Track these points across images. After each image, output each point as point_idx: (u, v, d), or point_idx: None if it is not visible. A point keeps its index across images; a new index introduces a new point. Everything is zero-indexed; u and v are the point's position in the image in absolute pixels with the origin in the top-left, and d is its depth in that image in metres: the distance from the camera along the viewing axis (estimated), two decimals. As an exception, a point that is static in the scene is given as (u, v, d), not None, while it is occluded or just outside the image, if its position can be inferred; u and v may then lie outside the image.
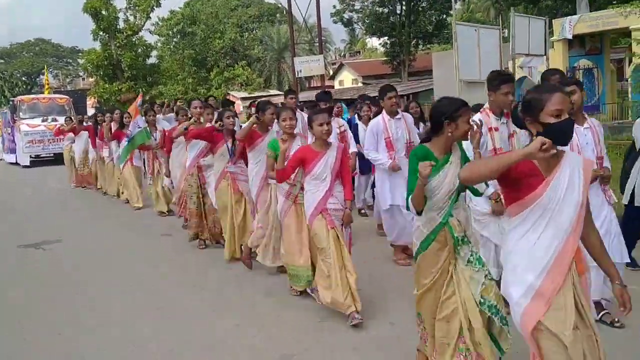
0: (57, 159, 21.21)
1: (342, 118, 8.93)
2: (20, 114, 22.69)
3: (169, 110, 12.44)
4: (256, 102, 7.86)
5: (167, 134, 8.53)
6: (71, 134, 14.31)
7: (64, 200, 13.08)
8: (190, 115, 7.50)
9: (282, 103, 7.94)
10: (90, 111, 25.82)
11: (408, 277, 5.46)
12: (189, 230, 7.64)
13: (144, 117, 10.36)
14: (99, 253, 7.74)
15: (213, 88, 39.43)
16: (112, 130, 11.35)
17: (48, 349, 4.60)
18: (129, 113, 11.11)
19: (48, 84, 30.84)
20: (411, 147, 6.06)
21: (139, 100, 11.56)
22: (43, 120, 22.08)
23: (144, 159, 11.32)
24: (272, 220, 5.85)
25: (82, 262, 7.29)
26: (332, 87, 42.41)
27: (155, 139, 9.74)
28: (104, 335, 4.78)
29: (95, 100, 33.97)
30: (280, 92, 34.57)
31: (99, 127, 12.38)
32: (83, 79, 63.19)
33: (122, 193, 11.68)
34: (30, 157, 21.88)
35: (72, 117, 15.08)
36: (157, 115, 10.74)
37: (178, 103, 13.59)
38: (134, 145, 10.22)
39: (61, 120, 21.08)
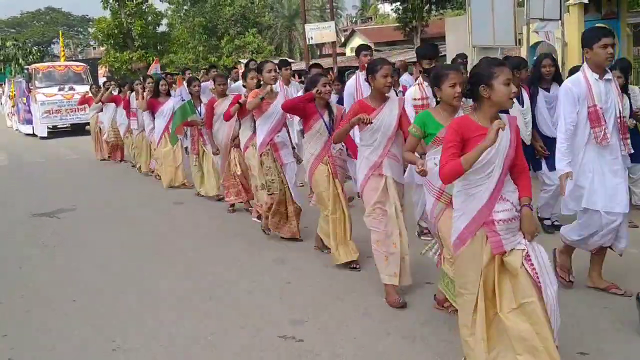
0: (74, 130, 21.02)
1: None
2: (36, 82, 21.48)
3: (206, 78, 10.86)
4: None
5: (209, 106, 7.45)
6: (98, 104, 13.32)
7: (87, 173, 13.11)
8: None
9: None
10: (102, 80, 24.30)
11: (419, 246, 5.50)
12: (267, 229, 6.34)
13: (186, 87, 8.79)
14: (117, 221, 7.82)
15: (224, 56, 39.23)
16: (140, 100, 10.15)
17: (63, 316, 4.68)
18: (165, 79, 10.27)
19: (64, 51, 28.96)
20: None
21: (155, 66, 10.95)
22: (60, 90, 20.87)
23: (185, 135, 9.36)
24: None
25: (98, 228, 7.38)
26: (344, 54, 41.98)
27: (200, 114, 8.38)
28: (118, 299, 4.86)
29: (107, 69, 33.93)
30: (292, 60, 34.35)
31: (129, 94, 11.39)
32: (94, 48, 63.06)
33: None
34: (48, 127, 20.88)
35: (106, 85, 13.52)
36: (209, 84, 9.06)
37: (187, 73, 13.05)
38: (176, 123, 8.71)
39: (79, 89, 20.35)
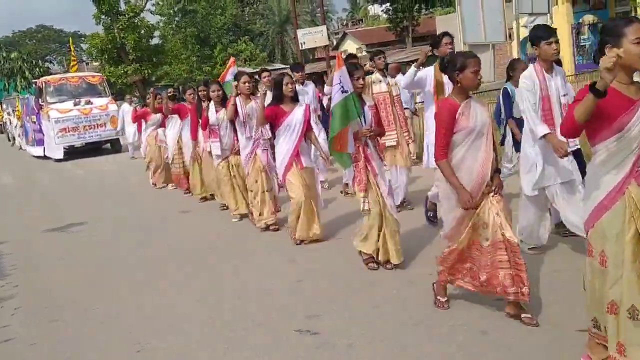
0: (95, 149, 19.07)
1: None
2: (47, 97, 18.87)
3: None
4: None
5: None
6: (157, 115, 10.45)
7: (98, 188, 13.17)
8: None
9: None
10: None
11: (427, 239, 5.71)
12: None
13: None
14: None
15: (217, 65, 39.44)
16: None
17: (87, 324, 4.87)
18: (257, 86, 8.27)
19: (75, 60, 25.83)
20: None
21: (232, 68, 8.38)
22: (75, 104, 18.45)
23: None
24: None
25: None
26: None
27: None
28: (137, 305, 5.06)
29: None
30: (285, 66, 34.55)
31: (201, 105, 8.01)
32: (87, 63, 63.23)
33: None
34: (64, 148, 18.29)
35: (161, 94, 10.44)
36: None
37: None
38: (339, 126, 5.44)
39: (97, 102, 18.62)
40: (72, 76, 20.85)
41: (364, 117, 5.08)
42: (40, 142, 19.72)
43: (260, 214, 6.99)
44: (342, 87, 5.03)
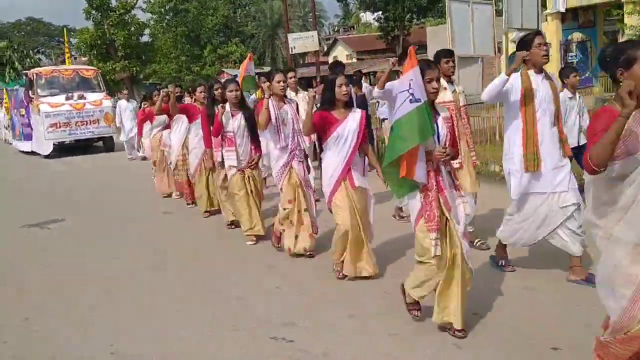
0: (86, 147, 18.28)
1: None
2: (38, 90, 17.94)
3: None
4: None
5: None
6: (162, 117, 9.19)
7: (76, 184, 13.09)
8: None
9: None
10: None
11: (401, 251, 5.72)
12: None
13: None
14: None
15: (207, 66, 39.40)
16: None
17: (62, 324, 4.82)
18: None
19: (69, 52, 24.90)
20: None
21: (249, 64, 8.58)
22: (67, 98, 17.54)
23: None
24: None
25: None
26: (327, 62, 42.27)
27: None
28: (113, 307, 5.01)
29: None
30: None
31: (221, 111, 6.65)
32: (75, 58, 62.79)
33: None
34: (54, 144, 17.48)
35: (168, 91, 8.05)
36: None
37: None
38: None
39: (91, 97, 17.81)
40: (66, 69, 19.82)
41: (438, 133, 3.94)
42: (28, 137, 19.00)
43: (296, 237, 5.87)
44: (412, 94, 3.76)
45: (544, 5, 18.42)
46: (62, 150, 17.89)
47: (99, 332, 4.52)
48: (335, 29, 63.65)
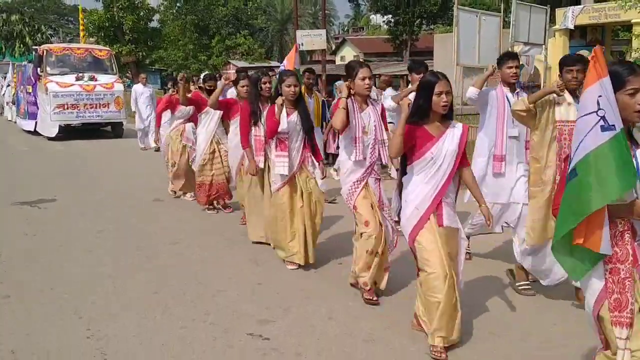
0: (93, 131, 17.38)
1: None
2: (48, 68, 16.99)
3: None
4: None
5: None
6: (187, 108, 8.15)
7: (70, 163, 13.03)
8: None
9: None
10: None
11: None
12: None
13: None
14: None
15: (214, 56, 39.38)
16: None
17: (42, 303, 4.83)
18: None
19: (84, 29, 23.31)
20: None
21: (295, 55, 8.11)
22: (78, 79, 16.68)
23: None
24: None
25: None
26: (334, 62, 42.33)
27: None
28: (94, 290, 5.02)
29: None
30: (279, 64, 34.52)
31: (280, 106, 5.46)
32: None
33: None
34: (60, 125, 16.55)
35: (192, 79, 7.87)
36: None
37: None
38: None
39: (103, 79, 16.95)
40: (78, 47, 18.73)
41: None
42: (33, 116, 18.16)
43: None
44: (602, 117, 2.53)
45: (553, 21, 18.47)
46: (68, 133, 16.97)
47: (75, 314, 4.52)
48: (345, 29, 63.66)
